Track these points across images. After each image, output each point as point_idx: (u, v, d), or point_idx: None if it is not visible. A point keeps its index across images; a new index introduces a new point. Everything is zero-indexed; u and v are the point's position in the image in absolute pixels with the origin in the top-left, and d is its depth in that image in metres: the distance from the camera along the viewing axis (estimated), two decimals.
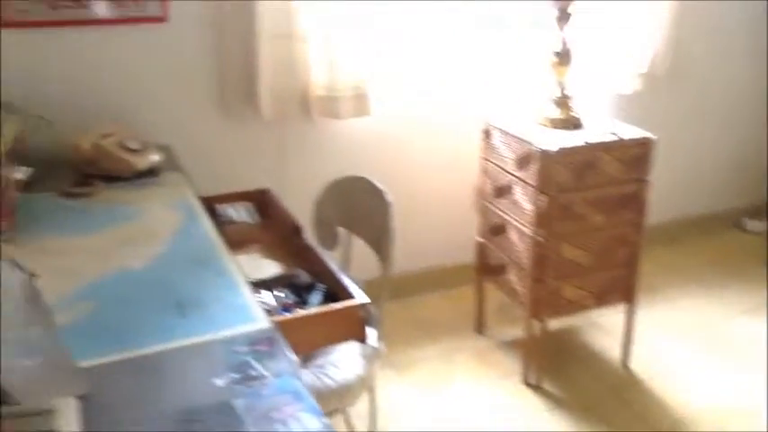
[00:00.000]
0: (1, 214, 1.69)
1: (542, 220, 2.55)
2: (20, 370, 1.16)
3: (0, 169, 1.59)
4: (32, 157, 2.14)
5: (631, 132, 2.64)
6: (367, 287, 1.86)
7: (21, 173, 1.72)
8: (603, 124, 2.73)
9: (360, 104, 2.76)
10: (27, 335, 1.15)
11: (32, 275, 1.13)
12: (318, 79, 2.70)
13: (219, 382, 1.25)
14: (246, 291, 1.56)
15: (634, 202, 2.67)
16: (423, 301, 3.26)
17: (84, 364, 1.26)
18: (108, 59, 2.48)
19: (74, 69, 2.44)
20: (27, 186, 2.03)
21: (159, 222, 1.90)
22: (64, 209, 2.00)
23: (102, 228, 1.87)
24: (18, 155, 2.00)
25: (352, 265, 2.24)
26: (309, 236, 2.16)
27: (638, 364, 2.89)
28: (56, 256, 1.71)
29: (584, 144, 2.54)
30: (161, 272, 1.65)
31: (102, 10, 2.40)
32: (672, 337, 3.08)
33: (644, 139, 2.62)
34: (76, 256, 1.71)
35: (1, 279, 1.16)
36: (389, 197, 2.02)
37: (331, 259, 2.01)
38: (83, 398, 1.18)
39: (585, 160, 2.54)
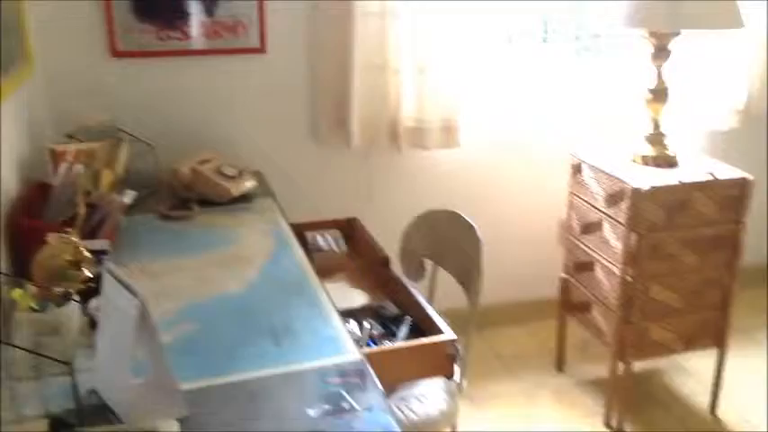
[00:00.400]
0: (107, 236, 1.77)
1: (631, 259, 2.49)
2: (127, 389, 1.22)
3: (112, 194, 1.67)
4: (133, 179, 2.25)
5: (728, 172, 2.56)
6: (450, 317, 1.86)
7: (127, 197, 1.81)
8: (699, 163, 2.66)
9: (449, 136, 2.78)
10: (136, 355, 1.20)
11: (142, 298, 1.18)
12: (408, 110, 2.74)
13: (312, 412, 1.27)
14: (337, 321, 1.59)
15: (728, 243, 2.58)
16: (503, 334, 3.23)
17: (185, 386, 1.31)
18: (208, 87, 2.58)
19: (175, 96, 2.55)
20: (128, 208, 2.13)
21: (253, 248, 1.96)
22: (163, 231, 2.08)
23: (199, 251, 1.94)
24: (123, 178, 2.10)
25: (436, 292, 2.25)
26: (396, 266, 2.18)
27: (726, 412, 2.78)
28: (156, 276, 1.78)
29: (677, 183, 2.47)
30: (255, 297, 1.70)
31: (205, 42, 2.51)
32: (762, 384, 2.94)
33: (741, 179, 2.53)
34: (176, 278, 1.78)
35: (115, 300, 1.22)
36: (480, 233, 2.02)
37: (417, 291, 2.02)
38: (182, 420, 1.22)
39: (679, 199, 2.47)
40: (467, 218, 2.08)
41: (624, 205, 2.47)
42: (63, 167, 1.79)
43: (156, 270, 1.82)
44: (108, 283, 1.27)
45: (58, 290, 1.40)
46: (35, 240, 1.57)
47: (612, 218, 2.54)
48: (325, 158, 2.79)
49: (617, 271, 2.53)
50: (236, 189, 2.25)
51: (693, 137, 3.23)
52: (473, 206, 2.77)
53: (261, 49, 2.58)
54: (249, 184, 2.29)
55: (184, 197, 2.24)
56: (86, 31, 2.41)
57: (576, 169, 2.74)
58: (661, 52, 2.56)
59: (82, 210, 1.62)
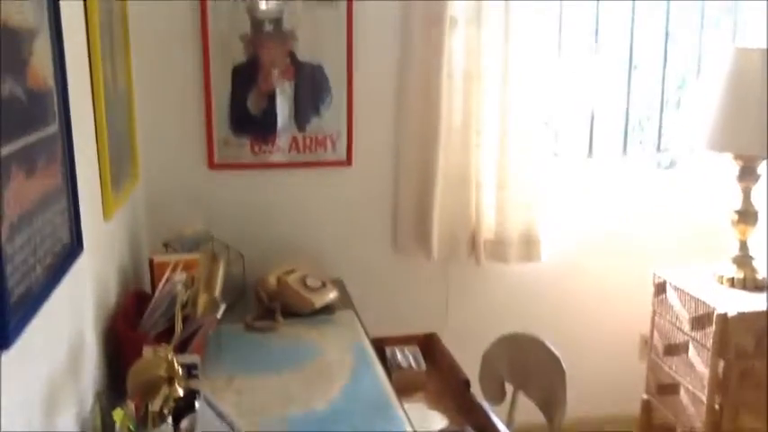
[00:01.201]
0: (197, 349, 1.83)
1: (719, 386, 2.40)
2: None
3: (208, 312, 1.74)
4: (223, 286, 2.33)
5: None
6: None
7: (219, 312, 1.88)
8: None
9: (530, 250, 2.78)
10: None
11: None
12: (489, 222, 2.77)
13: None
14: None
15: None
16: None
17: None
18: (296, 198, 2.69)
19: (265, 206, 2.66)
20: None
21: (335, 363, 1.99)
22: (248, 341, 2.14)
23: (283, 364, 1.98)
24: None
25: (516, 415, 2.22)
26: (475, 388, 2.16)
27: None
28: (241, 392, 1.82)
29: (767, 309, 2.40)
30: (338, 418, 1.71)
31: (295, 155, 2.63)
32: None
33: None
34: (260, 394, 1.81)
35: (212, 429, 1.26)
36: (564, 365, 2.00)
37: (497, 417, 1.99)
38: None
39: None
40: (550, 347, 2.06)
41: (710, 330, 2.41)
42: (162, 282, 1.88)
43: (242, 385, 1.86)
44: (204, 411, 1.31)
45: (154, 409, 1.45)
46: (132, 351, 1.64)
47: (698, 342, 2.47)
48: (405, 269, 2.83)
49: (703, 397, 2.44)
50: (319, 301, 2.30)
51: None
52: (553, 319, 2.78)
53: (347, 162, 2.69)
54: (331, 296, 2.34)
55: (269, 307, 2.30)
56: (187, 144, 2.56)
57: (660, 289, 2.69)
58: (749, 175, 2.54)
59: (179, 327, 1.69)
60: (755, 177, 2.54)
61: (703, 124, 2.49)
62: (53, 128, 1.42)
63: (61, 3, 1.46)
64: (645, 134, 3.58)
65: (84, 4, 1.66)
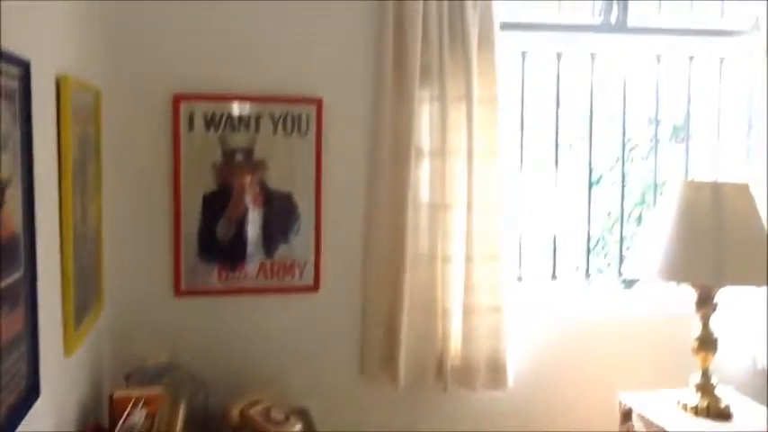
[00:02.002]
0: None
1: None
2: None
3: None
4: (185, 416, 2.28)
5: None
6: None
7: None
8: (754, 413, 2.59)
9: (496, 377, 2.77)
10: None
11: None
12: (456, 349, 2.77)
13: None
14: None
15: None
16: None
17: None
18: (262, 324, 2.67)
19: (231, 333, 2.64)
20: None
21: None
22: None
23: None
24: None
25: None
26: None
27: None
28: None
29: None
30: None
31: (262, 281, 2.65)
32: None
33: None
34: None
35: None
36: None
37: None
38: None
39: None
40: None
41: None
42: (121, 422, 1.84)
43: None
44: None
45: None
46: None
47: None
48: (372, 396, 2.78)
49: None
50: None
51: (749, 383, 3.12)
52: None
53: (315, 288, 2.70)
54: (296, 429, 2.31)
55: None
56: (154, 272, 2.57)
57: (626, 416, 2.69)
58: (706, 303, 2.59)
59: None
60: (713, 306, 2.59)
61: (658, 255, 2.56)
62: (18, 274, 1.43)
63: (35, 151, 1.51)
64: (608, 248, 3.69)
65: (59, 151, 1.71)
